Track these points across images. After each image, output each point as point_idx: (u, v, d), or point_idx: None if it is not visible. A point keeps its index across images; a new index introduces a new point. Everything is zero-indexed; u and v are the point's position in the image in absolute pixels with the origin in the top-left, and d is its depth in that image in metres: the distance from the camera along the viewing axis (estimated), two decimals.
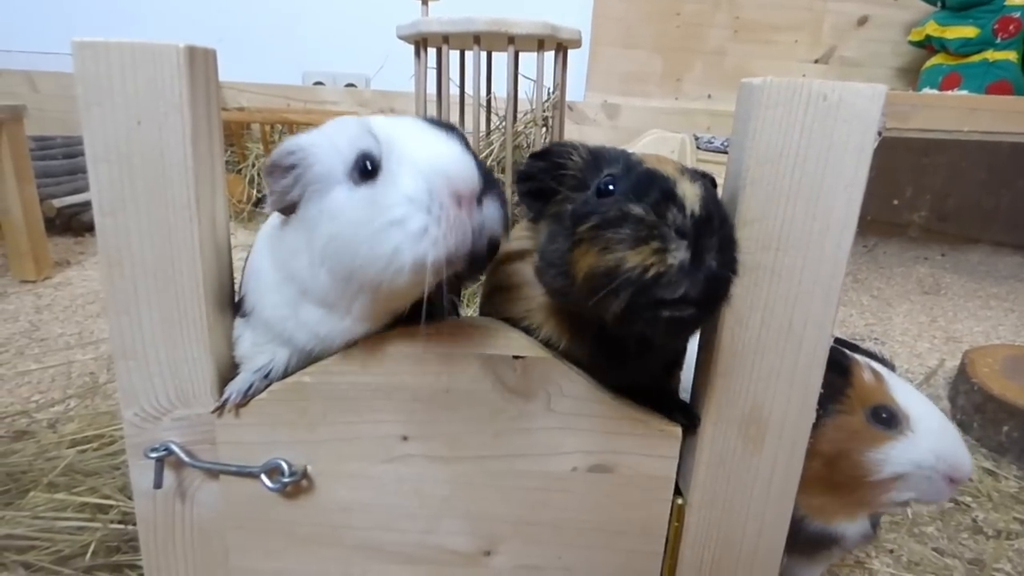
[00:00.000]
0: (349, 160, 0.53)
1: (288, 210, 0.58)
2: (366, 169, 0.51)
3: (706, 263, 0.47)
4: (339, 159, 0.54)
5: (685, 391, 0.68)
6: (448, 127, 0.57)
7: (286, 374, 0.63)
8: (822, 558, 0.79)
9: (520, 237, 0.66)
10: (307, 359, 0.63)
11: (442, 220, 0.48)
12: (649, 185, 0.50)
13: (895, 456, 0.69)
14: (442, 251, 0.48)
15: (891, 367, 0.79)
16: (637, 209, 0.48)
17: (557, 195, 0.58)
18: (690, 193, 0.48)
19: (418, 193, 0.49)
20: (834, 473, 0.71)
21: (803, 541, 0.74)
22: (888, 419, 0.71)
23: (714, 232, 0.48)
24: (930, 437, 0.70)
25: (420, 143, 0.52)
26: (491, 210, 0.53)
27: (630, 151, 0.58)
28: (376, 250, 0.49)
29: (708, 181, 0.54)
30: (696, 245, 0.47)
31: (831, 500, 0.72)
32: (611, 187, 0.52)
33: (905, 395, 0.73)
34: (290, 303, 0.59)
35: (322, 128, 0.57)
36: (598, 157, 0.57)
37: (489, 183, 0.53)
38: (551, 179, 0.59)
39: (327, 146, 0.55)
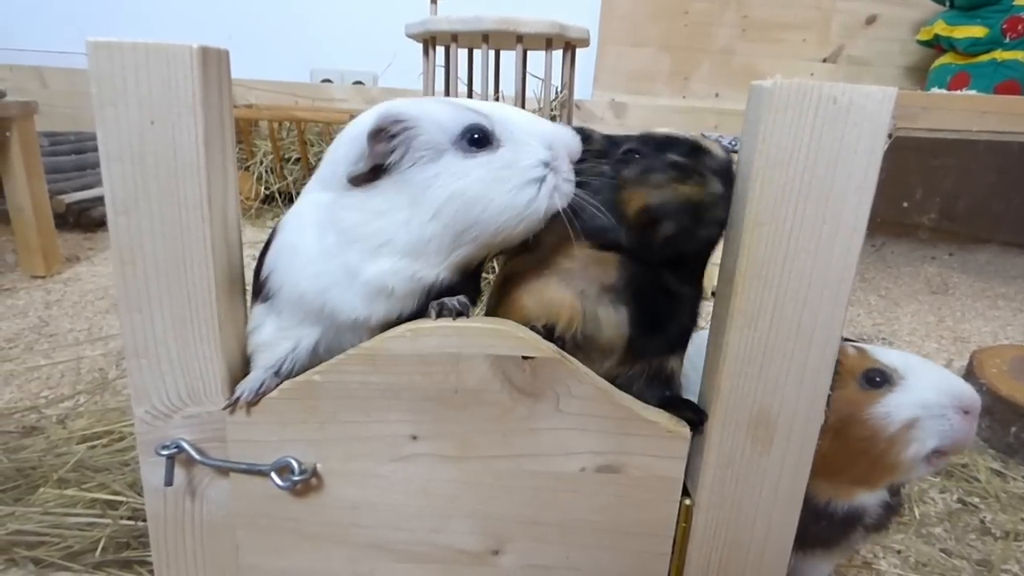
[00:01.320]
0: (454, 132, 0.61)
1: (365, 178, 0.61)
2: (475, 139, 0.61)
3: (730, 197, 0.60)
4: (441, 131, 0.61)
5: (691, 394, 0.68)
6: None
7: (311, 360, 0.64)
8: (843, 545, 0.79)
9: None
10: (336, 339, 0.64)
11: (565, 178, 0.62)
12: (677, 141, 0.63)
13: (898, 403, 0.71)
14: (565, 203, 0.61)
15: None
16: (676, 157, 0.61)
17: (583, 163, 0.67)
18: (713, 146, 0.62)
19: (548, 157, 0.61)
20: (846, 444, 0.71)
21: (831, 526, 0.75)
22: (881, 380, 0.73)
23: (732, 170, 0.61)
24: (925, 378, 0.72)
25: (531, 119, 0.64)
26: None
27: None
28: (514, 202, 0.60)
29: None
30: (727, 181, 0.60)
31: (849, 474, 0.73)
32: (636, 153, 0.64)
33: (890, 356, 0.75)
34: (346, 267, 0.61)
35: (409, 103, 0.63)
36: (612, 138, 0.69)
37: None
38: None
39: (428, 119, 0.61)
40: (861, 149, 0.55)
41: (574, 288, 0.64)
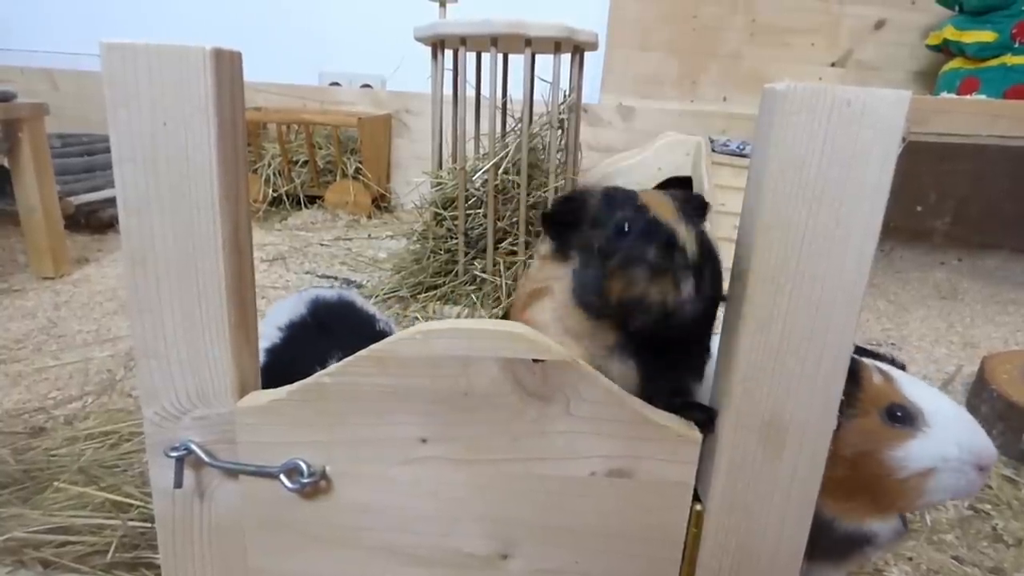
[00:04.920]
0: None
1: None
2: None
3: (704, 292, 0.62)
4: None
5: (702, 399, 0.68)
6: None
7: None
8: (852, 560, 0.78)
9: (542, 279, 0.73)
10: None
11: None
12: (657, 231, 0.63)
13: (917, 453, 0.69)
14: None
15: (901, 368, 0.79)
16: (654, 254, 0.62)
17: (579, 230, 0.70)
18: (691, 241, 0.62)
19: None
20: (859, 476, 0.70)
21: (834, 543, 0.73)
22: (903, 417, 0.70)
23: (707, 268, 0.63)
24: (949, 429, 0.70)
25: None
26: None
27: (635, 192, 0.70)
28: None
29: (694, 202, 0.70)
30: (699, 280, 0.62)
31: (861, 502, 0.72)
32: (627, 228, 0.65)
33: (917, 391, 0.73)
34: None
35: None
36: (610, 200, 0.70)
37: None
38: (573, 218, 0.71)
39: None
40: (875, 153, 0.54)
41: (583, 345, 0.68)
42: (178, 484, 0.64)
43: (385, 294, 2.01)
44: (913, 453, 0.69)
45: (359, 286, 2.15)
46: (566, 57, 1.92)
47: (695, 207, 0.70)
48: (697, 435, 0.63)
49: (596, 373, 0.62)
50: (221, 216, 0.58)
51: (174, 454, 0.63)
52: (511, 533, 0.67)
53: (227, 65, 0.57)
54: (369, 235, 2.87)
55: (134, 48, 0.54)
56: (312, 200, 3.23)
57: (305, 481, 0.63)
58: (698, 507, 0.65)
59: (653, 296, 0.62)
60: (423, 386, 0.62)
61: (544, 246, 0.76)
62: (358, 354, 0.62)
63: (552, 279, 0.72)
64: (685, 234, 0.63)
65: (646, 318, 0.62)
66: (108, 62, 0.55)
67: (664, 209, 0.66)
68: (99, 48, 0.55)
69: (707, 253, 0.63)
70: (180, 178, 0.57)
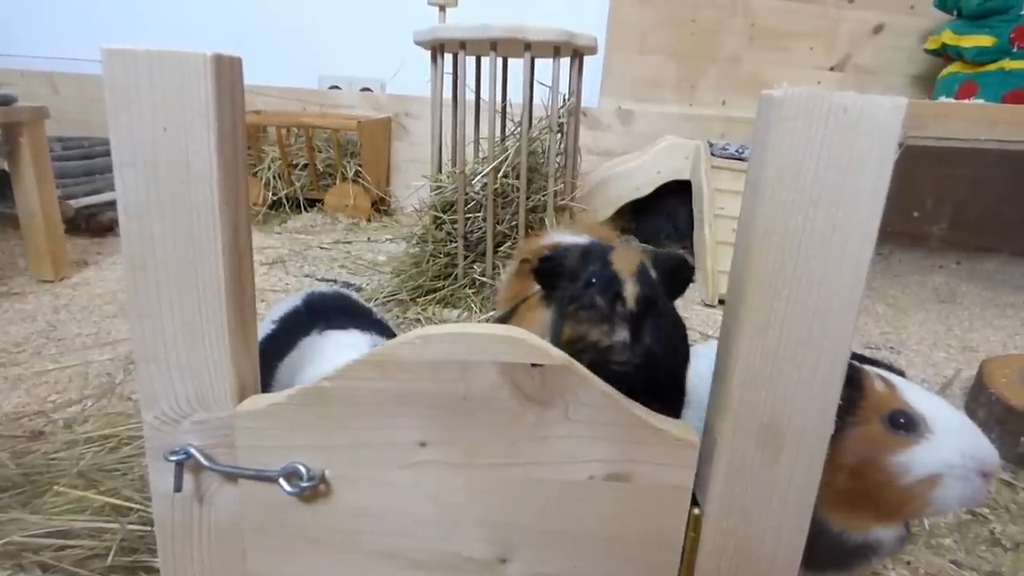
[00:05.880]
0: None
1: None
2: None
3: (643, 340, 0.67)
4: None
5: (700, 405, 0.69)
6: None
7: None
8: (857, 569, 0.78)
9: (531, 318, 0.87)
10: None
11: None
12: (608, 284, 0.70)
13: (920, 459, 0.68)
14: None
15: (900, 374, 0.79)
16: (599, 301, 0.70)
17: (560, 283, 0.80)
18: (631, 292, 0.69)
19: None
20: (863, 484, 0.70)
21: (842, 555, 0.73)
22: (906, 424, 0.70)
23: (648, 319, 0.68)
24: (952, 435, 0.69)
25: None
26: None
27: (610, 249, 0.78)
28: None
29: (669, 266, 0.77)
30: (636, 328, 0.68)
31: (866, 512, 0.72)
32: (593, 280, 0.73)
33: (918, 398, 0.73)
34: None
35: None
36: (586, 256, 0.79)
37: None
38: (555, 272, 0.81)
39: None
40: (872, 159, 0.54)
41: None
42: (178, 488, 0.64)
43: (384, 297, 2.02)
44: (916, 460, 0.68)
45: (358, 289, 2.15)
46: (565, 61, 1.93)
47: (672, 268, 0.78)
48: (695, 439, 0.63)
49: (594, 377, 0.62)
50: (221, 221, 0.58)
51: (174, 458, 0.63)
52: (510, 537, 0.67)
53: (227, 71, 0.57)
54: (369, 238, 2.88)
55: (135, 54, 0.55)
56: (312, 203, 3.23)
57: (304, 485, 0.63)
58: (696, 511, 0.65)
59: (590, 337, 0.69)
60: (422, 390, 0.62)
61: (510, 268, 0.85)
62: (357, 358, 0.62)
63: (538, 323, 0.81)
64: (631, 288, 0.69)
65: (584, 358, 0.66)
66: (109, 67, 0.55)
67: (625, 266, 0.73)
68: (100, 54, 0.55)
69: (649, 309, 0.68)
70: (180, 183, 0.57)
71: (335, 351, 0.91)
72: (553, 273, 0.82)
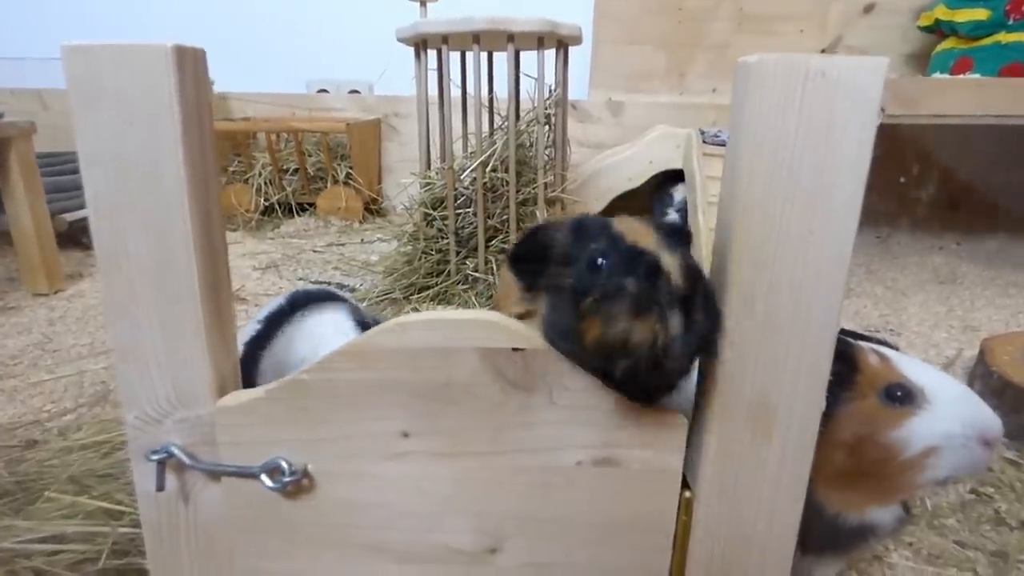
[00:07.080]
0: None
1: None
2: None
3: (696, 325, 0.54)
4: None
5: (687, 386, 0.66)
6: None
7: None
8: (855, 551, 0.76)
9: (518, 300, 0.66)
10: None
11: None
12: (634, 260, 0.55)
13: (920, 430, 0.66)
14: None
15: (895, 349, 0.77)
16: (631, 284, 0.53)
17: (548, 268, 0.62)
18: (673, 265, 0.55)
19: None
20: (860, 461, 0.68)
21: (841, 538, 0.71)
22: (903, 396, 0.68)
23: (697, 294, 0.54)
24: (951, 404, 0.67)
25: None
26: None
27: (609, 220, 0.62)
28: None
29: (680, 237, 0.61)
30: (686, 310, 0.53)
31: (862, 490, 0.70)
32: (600, 261, 0.57)
33: (915, 369, 0.70)
34: None
35: None
36: (580, 232, 0.62)
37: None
38: (540, 256, 0.63)
39: None
40: (853, 124, 0.53)
41: None
42: (160, 487, 0.63)
43: (378, 297, 2.01)
44: (915, 431, 0.66)
45: (352, 290, 2.14)
46: (550, 52, 1.92)
47: (676, 235, 0.61)
48: (684, 420, 0.62)
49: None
50: (191, 215, 0.57)
51: (155, 457, 0.62)
52: (499, 527, 0.66)
53: (190, 62, 0.56)
54: (362, 240, 2.87)
55: (95, 49, 0.54)
56: (304, 208, 3.23)
57: (287, 480, 0.62)
58: (687, 494, 0.64)
59: (637, 336, 0.52)
60: (403, 379, 0.61)
61: (506, 273, 0.69)
62: (336, 350, 0.61)
63: (523, 304, 0.65)
64: (669, 261, 0.55)
65: (630, 363, 0.53)
66: (70, 64, 0.55)
67: (641, 236, 0.58)
68: (60, 51, 0.54)
69: (697, 282, 0.55)
70: (148, 178, 0.56)
71: (316, 326, 0.92)
72: (535, 258, 0.64)
